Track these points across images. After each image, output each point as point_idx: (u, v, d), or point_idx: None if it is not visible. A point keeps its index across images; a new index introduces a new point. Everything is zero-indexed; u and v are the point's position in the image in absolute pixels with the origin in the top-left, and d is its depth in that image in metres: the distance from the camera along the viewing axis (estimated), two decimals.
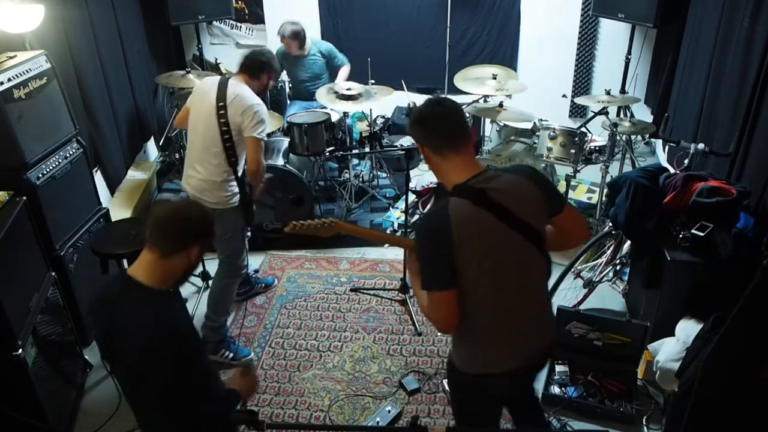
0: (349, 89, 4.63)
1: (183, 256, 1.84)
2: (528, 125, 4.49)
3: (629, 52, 5.33)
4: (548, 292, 2.13)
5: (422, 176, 5.19)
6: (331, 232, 2.24)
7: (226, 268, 3.41)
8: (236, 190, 3.23)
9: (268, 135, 4.53)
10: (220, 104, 3.09)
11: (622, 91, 5.43)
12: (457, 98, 5.82)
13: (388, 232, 4.60)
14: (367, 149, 5.35)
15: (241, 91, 3.12)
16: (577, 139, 4.15)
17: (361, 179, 5.15)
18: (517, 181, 1.94)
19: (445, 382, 3.22)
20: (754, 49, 3.27)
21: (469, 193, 1.86)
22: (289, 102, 5.56)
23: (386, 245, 4.48)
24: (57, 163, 3.19)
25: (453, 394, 2.37)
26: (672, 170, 3.46)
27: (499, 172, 1.97)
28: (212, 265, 3.60)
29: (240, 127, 3.09)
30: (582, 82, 5.87)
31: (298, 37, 4.92)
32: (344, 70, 5.23)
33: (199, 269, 4.09)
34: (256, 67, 3.22)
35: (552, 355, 2.25)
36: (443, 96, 2.12)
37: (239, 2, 5.92)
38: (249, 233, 3.60)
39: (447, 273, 1.84)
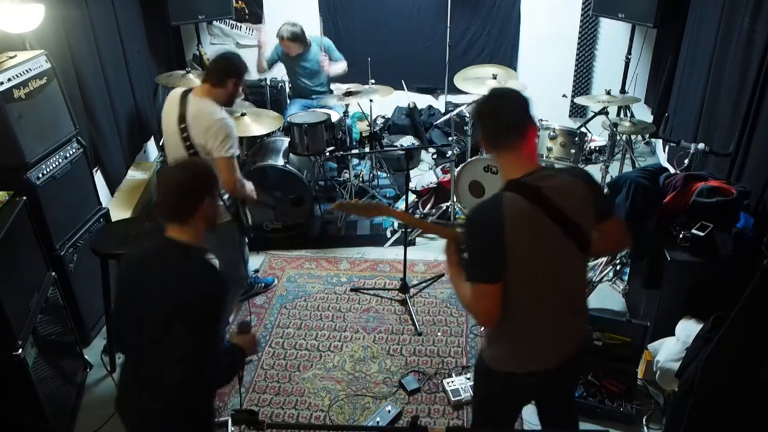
0: (349, 89, 4.63)
1: (199, 214, 1.96)
2: None
3: (629, 52, 5.33)
4: (584, 294, 2.12)
5: (422, 176, 5.20)
6: (376, 214, 2.27)
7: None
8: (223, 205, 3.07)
9: (268, 135, 4.54)
10: (182, 126, 2.89)
11: (622, 91, 5.43)
12: (457, 98, 5.90)
13: (388, 232, 4.61)
14: (367, 149, 5.35)
15: (201, 107, 2.91)
16: (577, 139, 4.15)
17: (361, 179, 5.15)
18: (571, 182, 1.92)
19: (445, 381, 3.23)
20: (754, 49, 3.27)
21: (523, 189, 1.84)
22: (288, 101, 5.56)
23: (389, 242, 4.48)
24: (57, 163, 3.19)
25: (478, 391, 2.33)
26: (672, 170, 3.46)
27: (554, 172, 1.96)
28: None
29: (206, 148, 2.88)
30: (582, 82, 5.87)
31: (297, 39, 4.90)
32: (340, 64, 5.22)
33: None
34: (218, 72, 2.96)
35: (583, 360, 2.21)
36: (509, 87, 2.08)
37: (239, 2, 5.92)
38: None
39: (495, 266, 1.82)
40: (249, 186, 3.14)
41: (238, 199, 3.10)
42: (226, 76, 2.94)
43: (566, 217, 1.85)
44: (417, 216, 4.67)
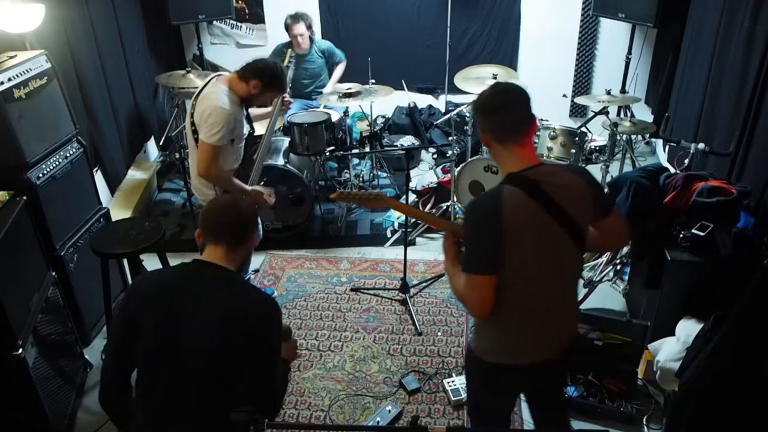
0: (349, 89, 4.63)
1: (245, 246, 1.99)
2: None
3: (629, 52, 5.33)
4: (576, 291, 2.15)
5: (422, 176, 5.20)
6: (376, 204, 2.26)
7: None
8: (220, 192, 3.15)
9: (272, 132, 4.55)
10: (193, 102, 3.05)
11: (623, 90, 5.43)
12: (457, 98, 5.90)
13: (388, 231, 4.61)
14: (367, 149, 5.36)
15: (212, 91, 3.02)
16: (577, 138, 4.15)
17: (361, 179, 5.15)
18: (570, 178, 1.94)
19: (445, 381, 3.23)
20: (754, 49, 3.27)
21: (522, 182, 1.86)
22: None
23: (390, 242, 4.49)
24: (57, 162, 3.19)
25: (468, 382, 2.37)
26: (672, 170, 3.46)
27: (554, 168, 1.97)
28: None
29: (200, 129, 3.00)
30: (582, 81, 5.87)
31: (302, 19, 4.90)
32: (340, 67, 5.23)
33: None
34: (249, 69, 3.08)
35: (572, 358, 2.25)
36: (511, 83, 2.11)
37: (239, 2, 5.92)
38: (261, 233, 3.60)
39: (491, 258, 1.84)
40: (238, 182, 3.19)
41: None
42: (253, 74, 3.04)
43: (563, 212, 1.87)
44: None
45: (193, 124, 3.05)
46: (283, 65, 3.29)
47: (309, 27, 5.03)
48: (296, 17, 4.92)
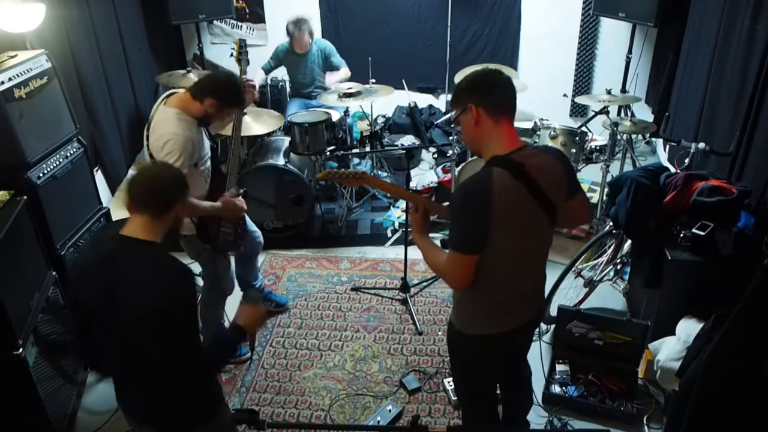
0: (349, 88, 4.63)
1: (171, 212, 1.97)
2: (529, 125, 4.49)
3: (630, 52, 5.33)
4: (546, 264, 2.27)
5: (423, 175, 5.20)
6: (359, 182, 2.39)
7: (208, 286, 3.30)
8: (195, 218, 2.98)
9: (269, 134, 4.54)
10: (146, 133, 2.82)
11: (623, 90, 5.43)
12: None
13: (389, 231, 4.61)
14: (367, 149, 5.35)
15: (164, 116, 2.77)
16: (577, 138, 4.15)
17: None
18: (550, 161, 2.04)
19: (445, 381, 3.23)
20: (754, 49, 3.27)
21: (509, 165, 1.93)
22: (289, 100, 5.56)
23: (390, 241, 4.49)
24: (58, 162, 3.19)
25: (454, 360, 2.44)
26: (673, 169, 3.46)
27: (535, 150, 2.05)
28: None
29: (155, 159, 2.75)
30: (582, 81, 5.87)
31: (304, 24, 4.91)
32: (343, 72, 5.22)
33: (200, 268, 4.08)
34: (202, 87, 2.78)
35: (537, 323, 2.48)
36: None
37: (240, 1, 5.93)
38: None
39: (478, 238, 1.93)
40: (205, 204, 2.94)
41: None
42: (207, 93, 2.75)
43: (544, 194, 1.97)
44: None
45: (151, 156, 2.78)
46: (238, 77, 2.98)
47: (311, 34, 5.04)
48: (300, 27, 4.91)
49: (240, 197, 3.10)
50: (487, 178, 1.91)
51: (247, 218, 3.40)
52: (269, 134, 4.57)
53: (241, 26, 6.09)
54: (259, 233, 3.52)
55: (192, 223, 2.98)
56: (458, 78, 4.54)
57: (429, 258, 2.13)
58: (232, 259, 3.33)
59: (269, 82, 5.62)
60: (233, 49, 3.61)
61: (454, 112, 2.09)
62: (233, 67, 3.22)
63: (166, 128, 2.71)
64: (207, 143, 3.00)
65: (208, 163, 3.02)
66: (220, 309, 3.41)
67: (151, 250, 1.90)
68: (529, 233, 2.01)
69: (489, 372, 2.35)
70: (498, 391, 2.59)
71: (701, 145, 3.34)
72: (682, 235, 2.97)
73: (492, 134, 2.01)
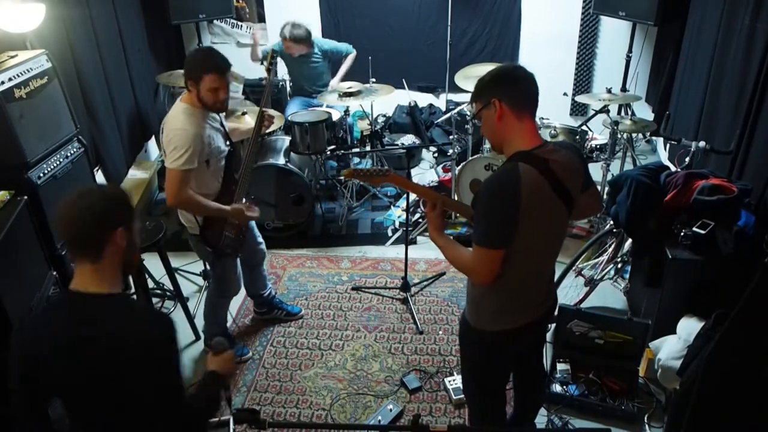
0: (350, 88, 4.63)
1: (112, 247, 1.65)
2: None
3: (630, 50, 5.33)
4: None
5: (423, 175, 5.20)
6: (383, 181, 2.39)
7: (214, 286, 3.33)
8: (200, 219, 2.98)
9: (269, 134, 4.54)
10: (162, 126, 2.83)
11: (623, 89, 5.43)
12: (458, 97, 5.89)
13: (389, 230, 4.61)
14: (368, 148, 5.35)
15: (172, 113, 2.81)
16: (578, 137, 4.15)
17: None
18: (570, 157, 2.05)
19: (446, 380, 3.23)
20: (755, 47, 3.27)
21: (535, 161, 1.94)
22: (289, 99, 5.56)
23: (390, 240, 4.49)
24: (58, 162, 3.19)
25: (466, 357, 2.42)
26: (673, 168, 3.46)
27: (555, 147, 2.06)
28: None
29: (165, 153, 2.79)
30: (583, 80, 5.87)
31: (299, 41, 4.89)
32: (349, 59, 5.20)
33: (200, 268, 4.09)
34: (185, 77, 2.78)
35: (552, 315, 2.45)
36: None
37: (240, 1, 5.92)
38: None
39: (506, 232, 1.93)
40: (212, 205, 2.94)
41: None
42: (186, 76, 2.77)
43: (564, 189, 1.99)
44: (418, 214, 4.68)
45: (162, 149, 2.84)
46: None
47: (309, 45, 5.00)
48: (298, 39, 4.87)
49: (251, 207, 3.13)
50: (514, 173, 1.91)
51: (254, 226, 3.39)
52: (269, 134, 4.57)
53: (242, 26, 6.09)
54: (262, 243, 3.48)
55: (196, 223, 2.98)
56: (458, 78, 4.56)
57: (451, 255, 2.12)
58: (238, 260, 3.32)
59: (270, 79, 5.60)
60: (265, 60, 3.60)
61: (474, 107, 2.08)
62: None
63: (174, 124, 2.75)
64: (221, 140, 2.99)
65: (223, 162, 3.01)
66: (225, 309, 3.43)
67: (105, 304, 1.65)
68: (550, 228, 2.05)
69: (500, 368, 2.36)
70: (509, 388, 2.59)
71: (701, 143, 3.34)
72: (682, 233, 2.97)
73: (515, 130, 2.00)
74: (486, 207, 1.96)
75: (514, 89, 1.99)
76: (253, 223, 3.33)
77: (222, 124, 3.04)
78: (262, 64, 4.98)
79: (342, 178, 5.07)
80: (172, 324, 1.70)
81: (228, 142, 3.06)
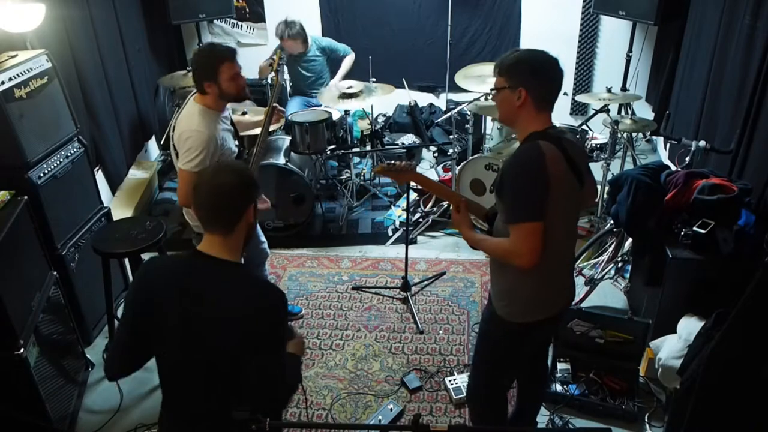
0: (350, 87, 4.63)
1: (243, 222, 1.83)
2: None
3: (630, 50, 5.33)
4: None
5: (423, 175, 5.19)
6: (408, 178, 2.45)
7: None
8: None
9: (270, 133, 4.54)
10: (173, 123, 2.83)
11: (623, 88, 5.42)
12: (458, 96, 5.89)
13: (389, 230, 4.61)
14: (368, 147, 5.35)
15: (186, 113, 2.79)
16: (578, 136, 4.15)
17: (362, 178, 5.15)
18: (575, 138, 2.12)
19: (447, 380, 3.23)
20: (755, 46, 3.27)
21: (551, 138, 2.00)
22: (289, 98, 5.56)
23: (391, 240, 4.49)
24: (58, 162, 3.19)
25: (488, 351, 2.38)
26: (673, 168, 3.46)
27: (563, 130, 2.12)
28: None
29: (177, 152, 2.78)
30: (583, 79, 5.87)
31: (295, 37, 4.89)
32: (348, 60, 5.21)
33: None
34: (195, 81, 2.77)
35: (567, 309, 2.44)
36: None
37: (240, 1, 5.92)
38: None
39: (540, 204, 1.92)
40: None
41: None
42: (200, 81, 2.73)
43: (578, 167, 2.04)
44: (419, 214, 4.68)
45: (175, 148, 2.81)
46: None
47: (304, 41, 5.00)
48: (293, 35, 4.85)
49: (265, 200, 3.11)
50: (536, 148, 1.95)
51: (258, 226, 3.38)
52: (270, 133, 4.57)
53: (242, 26, 6.09)
54: (265, 243, 3.47)
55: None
56: (458, 77, 4.55)
57: (489, 246, 2.13)
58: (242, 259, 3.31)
59: (270, 81, 5.60)
60: (273, 58, 3.62)
61: (497, 80, 2.09)
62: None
63: (190, 124, 2.72)
64: (232, 140, 3.00)
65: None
66: None
67: (231, 269, 1.81)
68: (572, 206, 2.08)
69: (518, 363, 2.38)
70: (513, 386, 2.61)
71: (702, 143, 3.34)
72: (682, 233, 2.97)
73: (530, 119, 2.06)
74: (516, 183, 1.97)
75: (545, 87, 2.04)
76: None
77: (232, 123, 3.05)
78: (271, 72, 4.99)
79: (343, 178, 5.08)
80: (283, 298, 1.83)
81: (237, 143, 3.07)
